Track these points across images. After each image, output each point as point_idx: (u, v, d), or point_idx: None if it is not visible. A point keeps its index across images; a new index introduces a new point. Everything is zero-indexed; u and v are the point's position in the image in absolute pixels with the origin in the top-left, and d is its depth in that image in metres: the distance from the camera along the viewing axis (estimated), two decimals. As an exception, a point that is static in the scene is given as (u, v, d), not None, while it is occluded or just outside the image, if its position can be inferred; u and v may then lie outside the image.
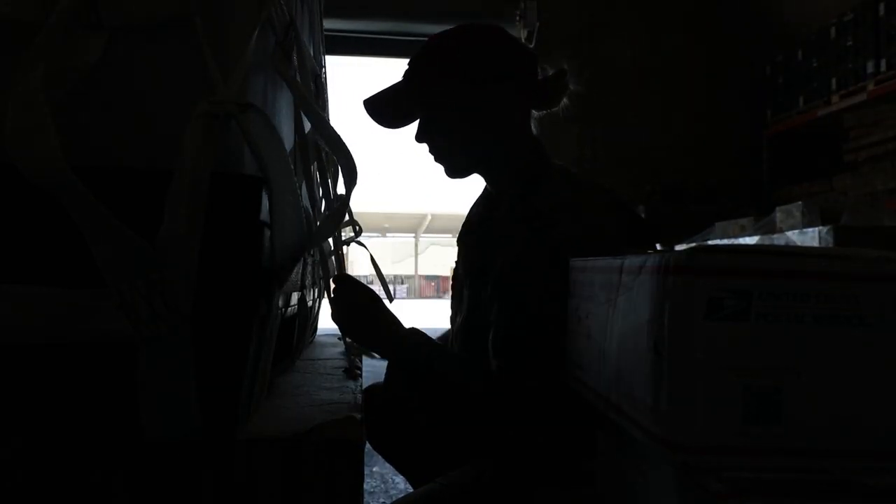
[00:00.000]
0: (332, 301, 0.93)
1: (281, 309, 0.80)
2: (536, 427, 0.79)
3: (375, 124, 0.97)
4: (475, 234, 1.03)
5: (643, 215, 3.46)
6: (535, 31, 3.70)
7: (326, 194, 1.08)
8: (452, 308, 1.08)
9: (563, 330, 0.74)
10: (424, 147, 0.97)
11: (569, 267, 0.74)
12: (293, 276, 0.84)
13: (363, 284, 0.93)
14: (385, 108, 0.96)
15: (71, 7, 0.58)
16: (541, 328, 0.79)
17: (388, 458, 1.22)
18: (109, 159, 0.61)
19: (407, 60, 0.97)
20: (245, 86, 0.64)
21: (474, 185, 1.08)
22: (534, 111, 0.98)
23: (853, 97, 3.08)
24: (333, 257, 1.17)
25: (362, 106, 0.96)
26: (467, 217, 1.09)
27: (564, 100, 0.97)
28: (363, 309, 0.90)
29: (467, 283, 0.98)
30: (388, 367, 1.00)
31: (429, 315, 9.57)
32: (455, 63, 0.91)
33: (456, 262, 1.11)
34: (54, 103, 0.56)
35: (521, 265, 0.83)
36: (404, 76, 0.96)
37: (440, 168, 0.98)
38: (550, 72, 0.96)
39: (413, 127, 0.97)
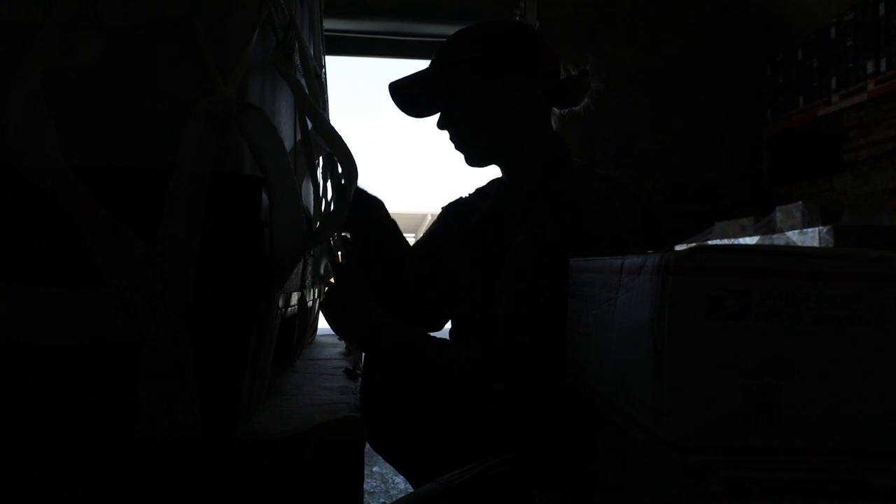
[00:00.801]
0: (325, 296, 0.93)
1: (281, 309, 0.80)
2: (517, 418, 0.80)
3: (400, 111, 0.99)
4: (490, 224, 1.03)
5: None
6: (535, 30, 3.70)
7: (326, 194, 1.08)
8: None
9: (565, 317, 0.75)
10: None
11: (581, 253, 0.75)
12: (293, 276, 0.84)
13: (353, 282, 0.93)
14: (409, 96, 0.98)
15: (71, 7, 0.58)
16: (542, 312, 0.80)
17: (388, 458, 1.22)
18: (109, 159, 0.61)
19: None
20: (245, 86, 0.64)
21: (475, 185, 1.09)
22: (555, 109, 1.01)
23: (853, 97, 3.09)
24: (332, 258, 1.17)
25: (387, 90, 0.98)
26: (465, 203, 1.10)
27: (586, 99, 1.00)
28: (347, 301, 0.90)
29: (479, 274, 0.98)
30: (365, 361, 0.99)
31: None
32: (475, 55, 0.95)
33: (436, 238, 1.10)
34: (54, 103, 0.56)
35: (535, 244, 0.85)
36: (430, 66, 0.98)
37: (460, 156, 1.02)
38: (574, 71, 0.99)
39: (433, 117, 1.00)
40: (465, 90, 0.95)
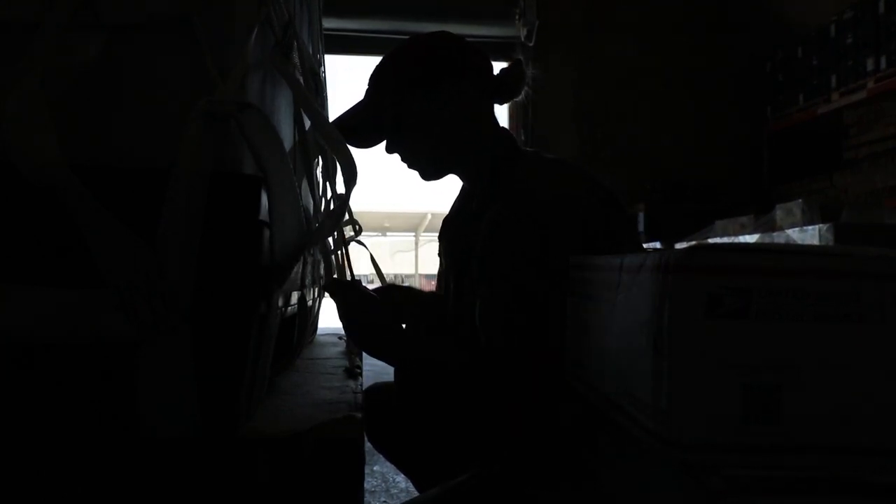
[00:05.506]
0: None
1: (281, 308, 0.80)
2: (517, 404, 0.81)
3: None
4: (453, 226, 1.05)
5: (642, 213, 3.46)
6: (535, 29, 3.70)
7: (326, 193, 1.08)
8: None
9: (538, 298, 0.78)
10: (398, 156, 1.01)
11: (542, 235, 0.78)
12: (293, 275, 0.84)
13: (355, 288, 0.94)
14: (353, 129, 0.98)
15: (70, 7, 0.58)
16: (510, 298, 0.81)
17: (389, 457, 1.23)
18: (109, 159, 0.61)
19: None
20: (244, 85, 0.64)
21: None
22: (496, 104, 1.02)
23: (853, 94, 3.08)
24: (334, 256, 1.17)
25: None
26: (447, 214, 1.12)
27: (526, 87, 1.01)
28: (358, 313, 0.91)
29: (451, 276, 1.00)
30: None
31: (429, 314, 9.54)
32: (404, 72, 0.96)
33: (439, 259, 1.14)
34: (54, 103, 0.56)
35: (492, 238, 0.85)
36: (366, 95, 0.99)
37: (416, 173, 1.02)
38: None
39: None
40: (407, 109, 0.95)
